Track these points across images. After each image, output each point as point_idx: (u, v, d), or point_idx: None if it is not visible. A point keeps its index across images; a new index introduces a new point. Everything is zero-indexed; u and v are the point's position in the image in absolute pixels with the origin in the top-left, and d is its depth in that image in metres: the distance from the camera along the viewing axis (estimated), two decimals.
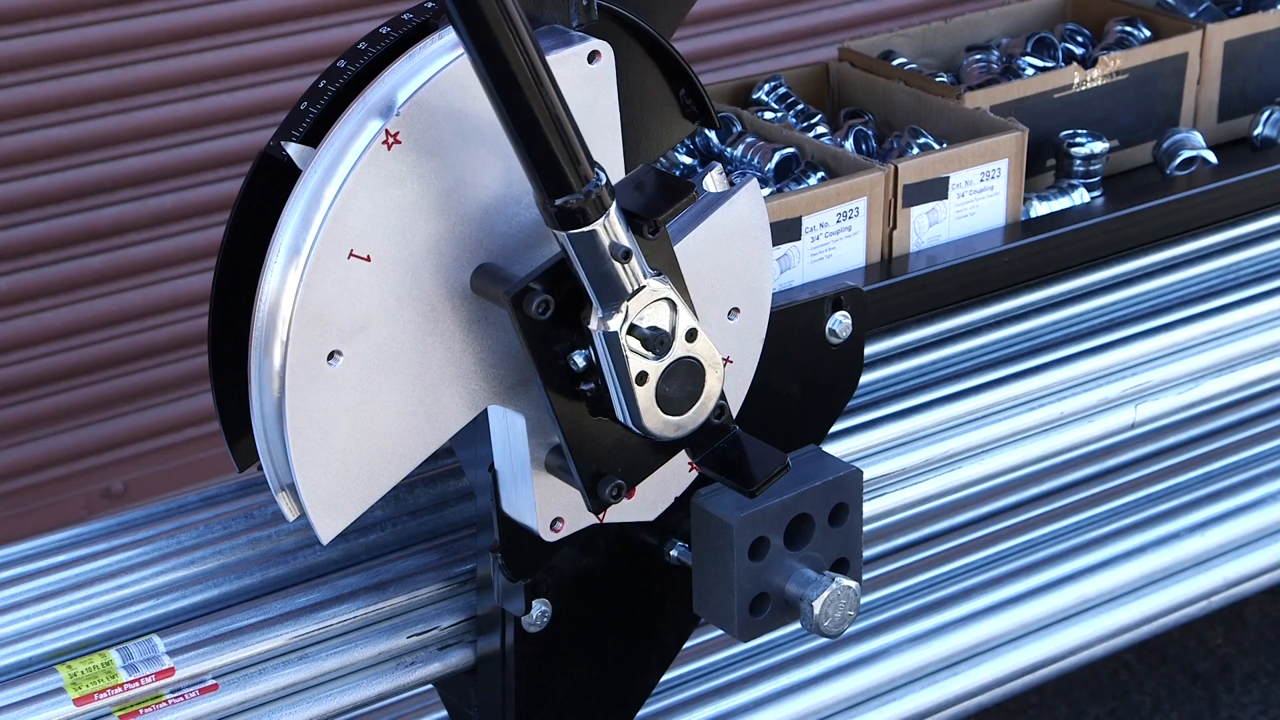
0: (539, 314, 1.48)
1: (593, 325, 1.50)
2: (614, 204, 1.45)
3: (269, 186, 1.53)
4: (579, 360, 1.51)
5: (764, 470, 1.62)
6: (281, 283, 1.47)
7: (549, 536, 1.63)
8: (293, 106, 1.53)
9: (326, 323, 1.48)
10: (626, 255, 1.47)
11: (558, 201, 1.43)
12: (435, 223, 1.50)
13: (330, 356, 1.48)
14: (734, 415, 1.63)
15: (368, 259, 1.48)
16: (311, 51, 3.22)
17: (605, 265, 1.47)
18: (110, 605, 1.69)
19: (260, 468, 1.55)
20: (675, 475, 1.67)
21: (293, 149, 1.51)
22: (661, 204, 1.53)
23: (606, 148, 1.55)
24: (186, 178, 3.19)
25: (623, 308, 1.49)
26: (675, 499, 1.70)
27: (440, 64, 1.48)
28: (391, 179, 1.47)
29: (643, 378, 1.51)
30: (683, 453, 1.63)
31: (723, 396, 1.59)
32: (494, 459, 1.64)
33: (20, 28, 2.98)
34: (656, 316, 1.51)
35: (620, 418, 1.53)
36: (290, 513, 1.55)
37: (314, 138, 1.51)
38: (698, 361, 1.54)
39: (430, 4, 1.54)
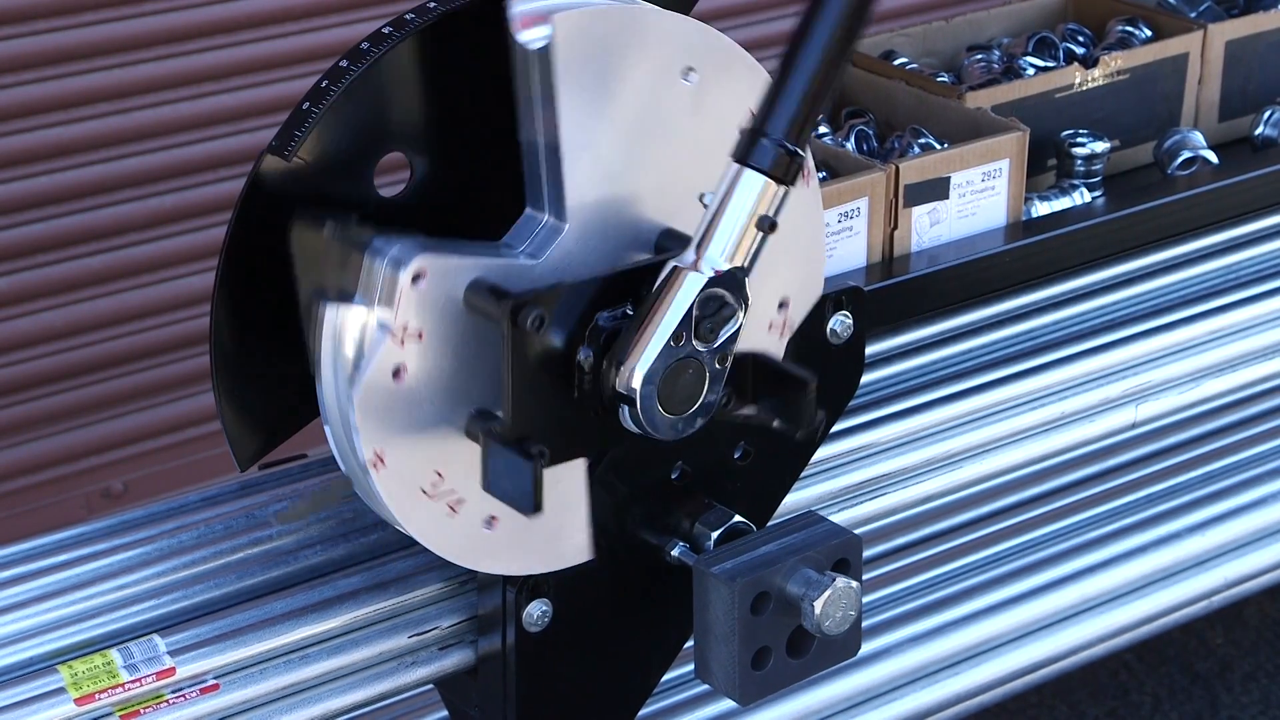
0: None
1: (678, 262, 1.48)
2: (793, 185, 1.45)
3: (269, 187, 1.52)
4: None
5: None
6: None
7: None
8: (294, 106, 1.53)
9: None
10: (772, 227, 1.46)
11: (766, 138, 1.43)
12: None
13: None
14: None
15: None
16: (311, 51, 3.22)
17: (744, 220, 1.46)
18: (110, 605, 1.68)
19: (261, 467, 1.54)
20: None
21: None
22: None
23: None
24: (186, 178, 3.19)
25: (710, 269, 1.48)
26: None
27: None
28: None
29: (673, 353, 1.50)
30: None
31: None
32: None
33: (20, 28, 2.98)
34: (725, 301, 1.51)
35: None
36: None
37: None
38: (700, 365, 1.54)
39: (432, 4, 1.54)
